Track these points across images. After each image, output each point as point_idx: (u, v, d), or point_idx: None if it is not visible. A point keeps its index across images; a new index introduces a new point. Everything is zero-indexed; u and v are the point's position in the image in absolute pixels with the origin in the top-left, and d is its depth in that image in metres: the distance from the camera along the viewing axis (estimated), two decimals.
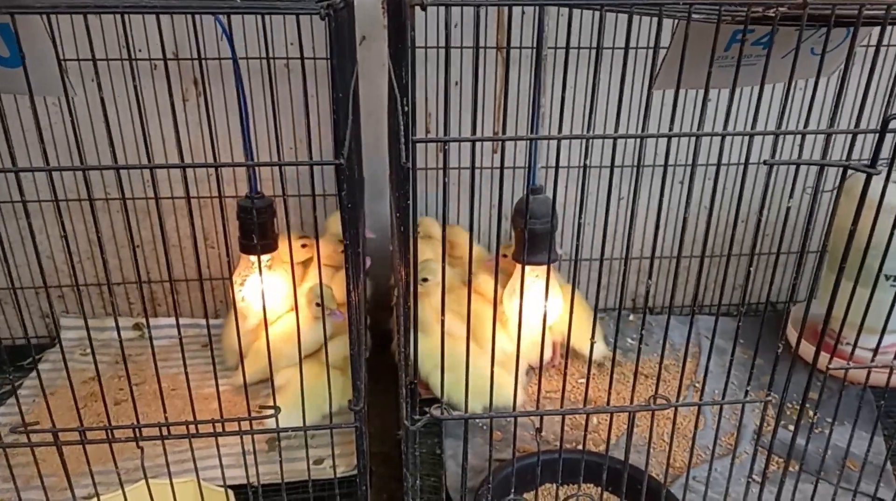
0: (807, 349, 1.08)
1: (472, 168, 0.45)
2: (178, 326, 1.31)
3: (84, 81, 1.08)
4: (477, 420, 1.02)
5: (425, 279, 1.03)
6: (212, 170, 1.18)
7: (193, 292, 1.29)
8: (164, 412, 0.56)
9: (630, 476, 0.73)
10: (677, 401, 0.60)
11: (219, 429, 0.56)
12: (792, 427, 1.04)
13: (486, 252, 1.25)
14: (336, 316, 0.97)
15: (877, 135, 0.46)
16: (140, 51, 1.10)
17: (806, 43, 0.75)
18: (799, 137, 0.49)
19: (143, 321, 1.28)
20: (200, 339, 1.26)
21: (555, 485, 0.82)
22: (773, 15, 0.45)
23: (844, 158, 0.48)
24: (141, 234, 1.22)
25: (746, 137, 0.50)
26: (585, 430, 0.64)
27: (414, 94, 0.45)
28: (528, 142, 0.99)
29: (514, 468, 0.68)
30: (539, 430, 0.60)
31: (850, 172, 0.50)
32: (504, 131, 1.16)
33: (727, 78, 0.72)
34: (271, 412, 0.56)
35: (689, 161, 0.55)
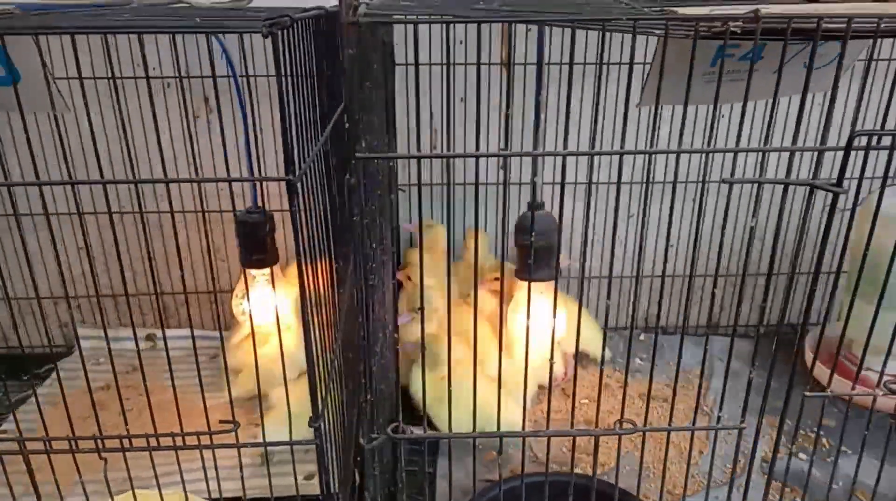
0: (822, 373, 1.04)
1: (420, 184, 0.44)
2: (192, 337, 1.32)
3: (100, 99, 1.12)
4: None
5: (421, 308, 1.02)
6: (223, 185, 1.20)
7: (204, 304, 1.31)
8: (126, 424, 0.57)
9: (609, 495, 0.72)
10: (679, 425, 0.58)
11: (180, 442, 0.56)
12: (804, 456, 1.00)
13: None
14: None
15: (842, 152, 0.44)
16: (154, 69, 1.13)
17: (798, 58, 0.73)
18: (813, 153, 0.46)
19: (155, 332, 1.31)
20: (210, 351, 1.28)
21: None
22: (724, 29, 0.44)
23: (811, 176, 0.46)
24: (153, 246, 1.25)
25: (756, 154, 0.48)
26: (548, 452, 0.62)
27: (359, 110, 0.45)
28: (533, 157, 0.98)
29: (476, 493, 0.66)
30: (500, 452, 0.59)
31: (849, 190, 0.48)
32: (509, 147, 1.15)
33: (712, 94, 0.70)
34: (230, 427, 0.56)
35: (674, 177, 0.54)
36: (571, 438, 1.04)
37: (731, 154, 0.58)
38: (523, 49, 1.11)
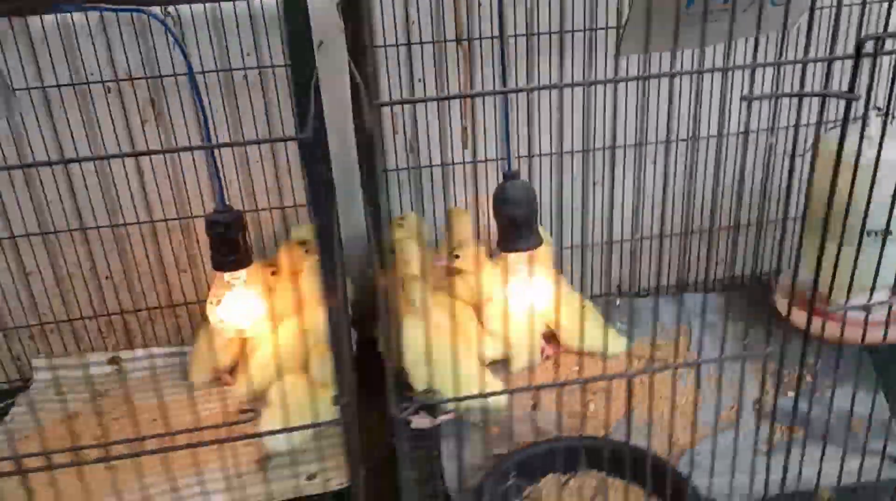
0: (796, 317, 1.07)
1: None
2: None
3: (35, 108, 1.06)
4: (472, 420, 0.99)
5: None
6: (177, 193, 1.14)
7: (168, 319, 1.25)
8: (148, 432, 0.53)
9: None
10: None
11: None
12: (791, 393, 1.03)
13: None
14: None
15: (853, 60, 0.45)
16: (92, 74, 1.07)
17: None
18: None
19: (119, 354, 1.24)
20: (179, 368, 1.22)
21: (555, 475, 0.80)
22: None
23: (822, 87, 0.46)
24: (109, 264, 1.19)
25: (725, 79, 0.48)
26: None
27: None
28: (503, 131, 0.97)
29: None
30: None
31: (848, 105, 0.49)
32: (474, 122, 1.14)
33: (692, 37, 0.71)
34: (251, 415, 0.53)
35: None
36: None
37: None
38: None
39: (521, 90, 0.45)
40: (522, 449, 0.83)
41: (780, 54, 0.46)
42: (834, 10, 0.47)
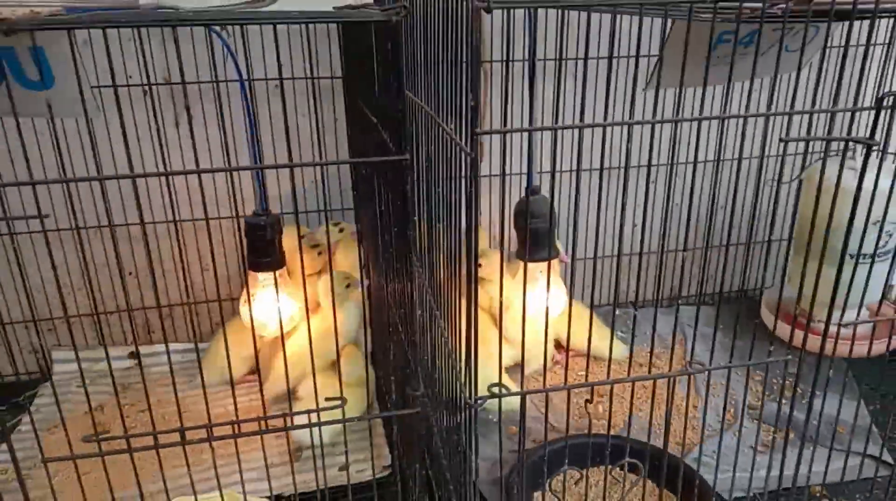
0: (780, 329, 1.15)
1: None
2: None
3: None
4: (491, 418, 1.05)
5: None
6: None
7: (188, 316, 1.29)
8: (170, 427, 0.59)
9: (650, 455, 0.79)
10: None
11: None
12: (775, 400, 1.11)
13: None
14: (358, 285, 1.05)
15: (872, 111, 0.53)
16: (131, 77, 1.11)
17: (776, 44, 0.83)
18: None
19: (138, 349, 1.27)
20: (195, 364, 1.25)
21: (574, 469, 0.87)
22: (780, 13, 0.51)
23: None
24: (133, 260, 1.22)
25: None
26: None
27: None
28: (529, 144, 1.04)
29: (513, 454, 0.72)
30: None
31: (848, 145, 0.57)
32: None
33: (715, 75, 0.79)
34: (337, 403, 0.58)
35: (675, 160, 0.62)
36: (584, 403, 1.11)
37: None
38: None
39: (597, 125, 0.52)
40: (549, 443, 0.90)
41: (813, 104, 0.54)
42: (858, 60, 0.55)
